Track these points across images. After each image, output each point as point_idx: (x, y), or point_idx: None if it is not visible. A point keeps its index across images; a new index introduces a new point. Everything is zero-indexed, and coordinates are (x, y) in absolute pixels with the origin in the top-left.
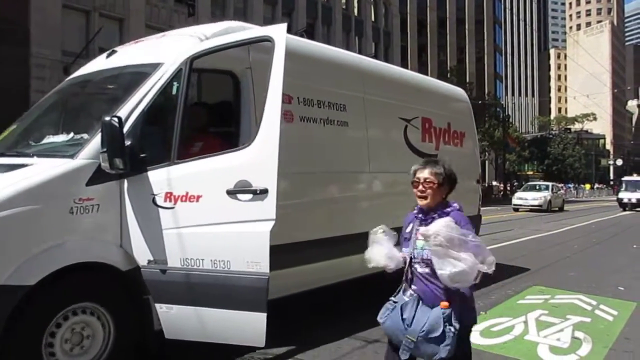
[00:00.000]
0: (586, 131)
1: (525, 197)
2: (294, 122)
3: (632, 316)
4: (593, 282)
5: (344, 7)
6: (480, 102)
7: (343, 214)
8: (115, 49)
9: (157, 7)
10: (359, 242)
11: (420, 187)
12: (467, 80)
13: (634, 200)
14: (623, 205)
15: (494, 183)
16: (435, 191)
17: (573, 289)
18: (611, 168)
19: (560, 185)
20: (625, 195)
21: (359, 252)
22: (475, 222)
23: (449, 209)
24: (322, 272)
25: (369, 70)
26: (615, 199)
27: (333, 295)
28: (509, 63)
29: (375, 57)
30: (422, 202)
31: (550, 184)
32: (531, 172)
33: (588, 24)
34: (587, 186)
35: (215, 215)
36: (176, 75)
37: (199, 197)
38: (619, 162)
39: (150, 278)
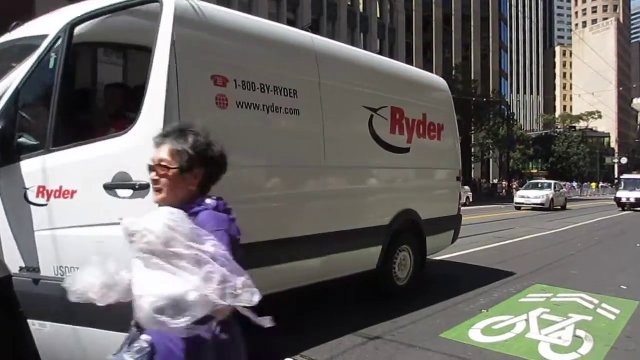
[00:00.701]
0: (591, 129)
1: (527, 196)
2: (229, 109)
3: (635, 315)
4: (595, 280)
5: (349, 3)
6: (485, 99)
7: (290, 213)
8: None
9: None
10: (311, 245)
11: (154, 173)
12: (472, 77)
13: (632, 200)
14: (622, 205)
15: (495, 181)
16: (174, 181)
17: (575, 287)
18: (616, 167)
19: (563, 183)
20: (623, 195)
21: (310, 256)
22: (453, 223)
23: (199, 208)
24: (265, 280)
25: (325, 51)
26: None
27: (331, 292)
28: (514, 60)
29: (381, 53)
30: (156, 198)
31: (552, 182)
32: (535, 171)
33: (594, 22)
34: (594, 185)
35: (91, 214)
36: (54, 47)
37: (73, 192)
38: (624, 160)
39: (21, 289)
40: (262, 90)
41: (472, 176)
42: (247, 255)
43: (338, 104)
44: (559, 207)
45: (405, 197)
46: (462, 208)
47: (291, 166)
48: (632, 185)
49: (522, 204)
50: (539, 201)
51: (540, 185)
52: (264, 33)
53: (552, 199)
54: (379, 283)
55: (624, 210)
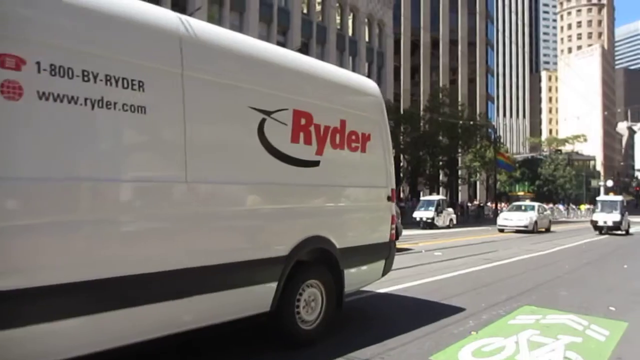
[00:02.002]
0: (577, 152)
1: (510, 218)
2: (22, 100)
3: (624, 336)
4: (584, 302)
5: (338, 27)
6: (472, 122)
7: (116, 243)
8: None
9: None
10: (160, 285)
11: None
12: (460, 100)
13: (610, 223)
14: (598, 229)
15: (481, 203)
16: None
17: (564, 308)
18: (602, 189)
19: (548, 206)
20: (600, 218)
21: (153, 299)
22: (383, 252)
23: None
24: (78, 335)
25: (196, 35)
26: None
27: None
28: (500, 84)
29: (369, 76)
30: None
31: (536, 204)
32: (522, 193)
33: (579, 47)
34: (582, 207)
35: None
36: None
37: None
38: (610, 183)
39: None
40: (85, 78)
41: (460, 198)
42: (74, 298)
43: (210, 103)
44: (543, 229)
45: (313, 221)
46: (446, 230)
47: (123, 180)
48: (609, 207)
49: (505, 226)
50: (522, 223)
51: (523, 207)
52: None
53: (536, 221)
54: (274, 328)
55: (600, 233)
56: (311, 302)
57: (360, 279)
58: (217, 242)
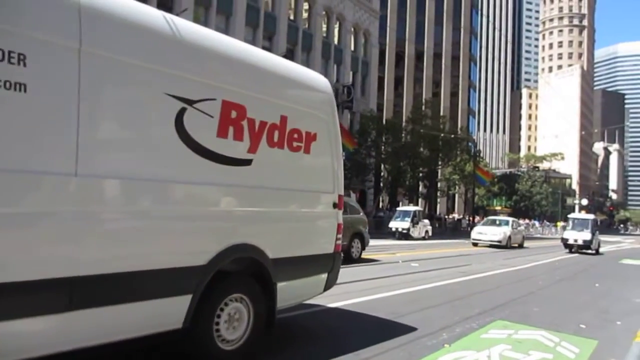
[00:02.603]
0: (554, 170)
1: (484, 232)
2: None
3: (593, 354)
4: (556, 318)
5: (324, 35)
6: (452, 135)
7: None
8: None
9: None
10: (26, 297)
11: None
12: (441, 113)
13: (580, 242)
14: (568, 247)
15: (459, 216)
16: None
17: (536, 324)
18: (577, 207)
19: (526, 221)
20: (571, 236)
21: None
22: (326, 264)
23: None
24: None
25: (101, 7)
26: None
27: None
28: (482, 99)
29: (353, 86)
30: None
31: (510, 219)
32: (499, 208)
33: (559, 67)
34: (559, 224)
35: None
36: None
37: None
38: (585, 201)
39: None
40: None
41: (438, 210)
42: None
43: (115, 85)
44: (516, 245)
45: (240, 227)
46: (421, 242)
47: None
48: (581, 225)
49: (479, 240)
50: (496, 238)
51: (497, 222)
52: None
53: (510, 237)
54: (188, 347)
55: (571, 252)
56: (235, 319)
57: (297, 293)
58: (111, 247)
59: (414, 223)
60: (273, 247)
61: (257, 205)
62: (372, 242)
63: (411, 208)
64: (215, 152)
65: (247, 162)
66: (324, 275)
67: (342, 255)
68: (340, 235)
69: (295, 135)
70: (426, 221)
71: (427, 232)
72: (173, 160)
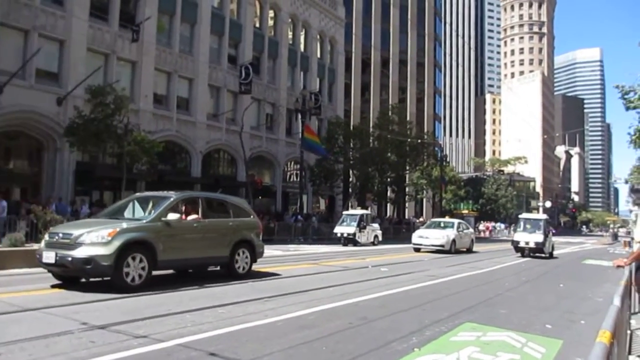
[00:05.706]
0: (518, 174)
1: (426, 236)
2: None
3: (559, 354)
4: (522, 319)
5: (290, 42)
6: (419, 140)
7: None
8: None
9: (100, 31)
10: None
11: None
12: (408, 119)
13: (532, 244)
14: (520, 250)
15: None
16: None
17: (504, 326)
18: (540, 209)
19: (493, 224)
20: (522, 238)
21: None
22: None
23: None
24: None
25: None
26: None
27: None
28: (447, 105)
29: (320, 92)
30: None
31: (456, 221)
32: (466, 211)
33: (521, 73)
34: None
35: None
36: None
37: None
38: (548, 203)
39: None
40: None
41: (407, 215)
42: None
43: None
44: (464, 249)
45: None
46: (367, 247)
47: None
48: (534, 226)
49: (421, 244)
50: (438, 242)
51: (442, 225)
52: None
53: (454, 240)
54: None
55: (523, 256)
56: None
57: None
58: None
59: (361, 228)
60: None
61: None
62: (305, 248)
63: (358, 211)
64: None
65: None
66: None
67: None
68: (370, 239)
69: None
70: (375, 225)
71: (376, 237)
72: None
